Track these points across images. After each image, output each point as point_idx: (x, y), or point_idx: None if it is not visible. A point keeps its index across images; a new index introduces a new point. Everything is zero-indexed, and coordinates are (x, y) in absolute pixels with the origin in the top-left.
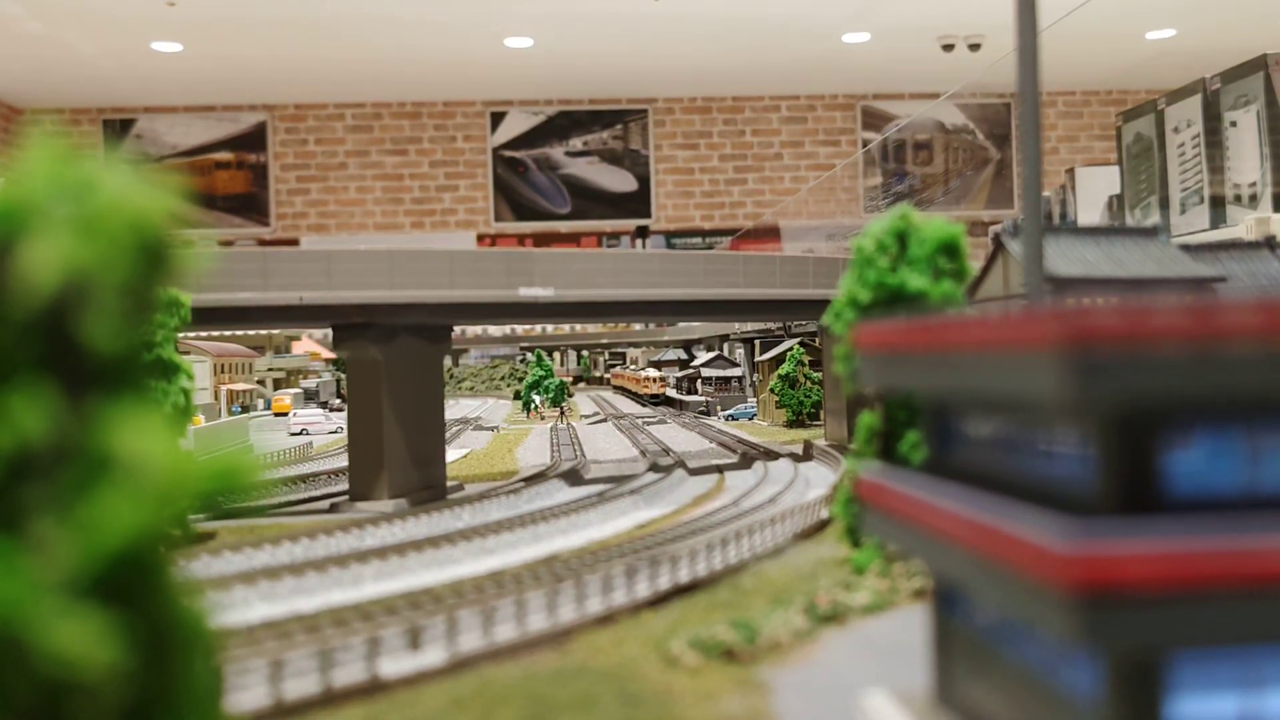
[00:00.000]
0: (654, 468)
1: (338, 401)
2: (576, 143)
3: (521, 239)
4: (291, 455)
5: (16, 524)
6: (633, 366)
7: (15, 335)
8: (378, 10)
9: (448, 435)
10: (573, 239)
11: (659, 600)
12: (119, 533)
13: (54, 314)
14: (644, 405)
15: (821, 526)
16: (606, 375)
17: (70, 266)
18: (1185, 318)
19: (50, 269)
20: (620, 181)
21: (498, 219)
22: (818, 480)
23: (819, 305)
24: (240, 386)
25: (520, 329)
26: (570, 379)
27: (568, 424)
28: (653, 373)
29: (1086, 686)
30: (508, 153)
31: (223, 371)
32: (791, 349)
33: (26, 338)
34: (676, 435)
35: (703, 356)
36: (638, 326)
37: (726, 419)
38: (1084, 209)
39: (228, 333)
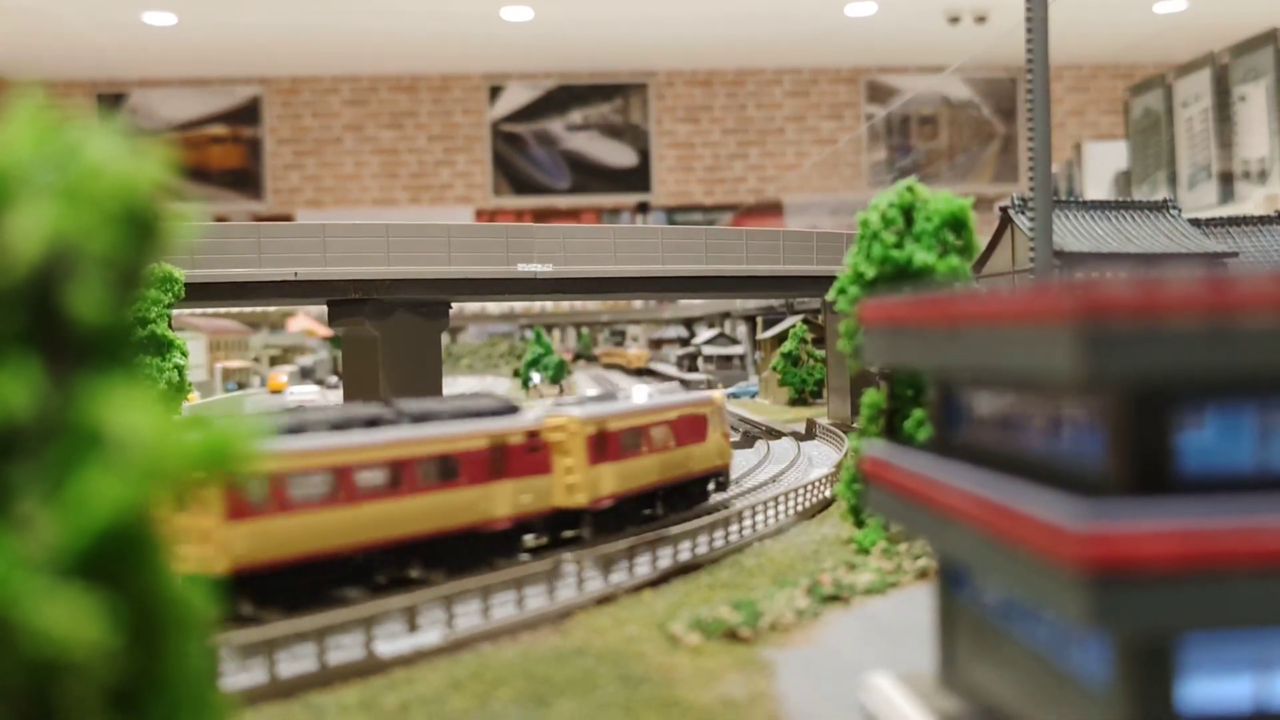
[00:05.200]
0: None
1: (334, 379)
2: (576, 117)
3: (520, 214)
4: None
5: (2, 501)
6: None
7: None
8: None
9: None
10: (572, 214)
11: (660, 580)
12: (106, 510)
13: (39, 285)
14: None
15: (825, 506)
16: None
17: (55, 235)
18: (1199, 292)
19: (34, 238)
20: (620, 156)
21: (496, 194)
22: (821, 459)
23: (823, 281)
24: (235, 364)
25: (519, 306)
26: (570, 357)
27: None
28: None
29: (1096, 668)
30: (506, 127)
31: (217, 349)
32: (794, 326)
33: (10, 309)
34: None
35: (704, 334)
36: (638, 304)
37: (728, 397)
38: (1092, 184)
39: (222, 310)
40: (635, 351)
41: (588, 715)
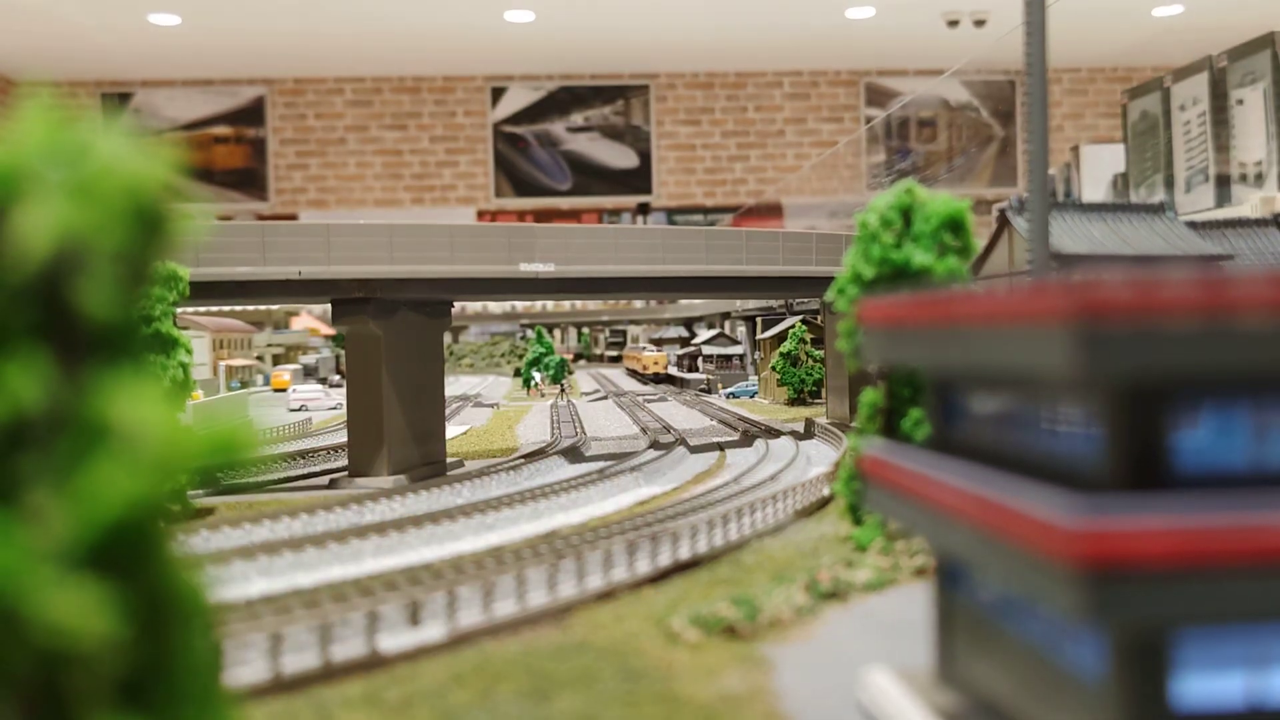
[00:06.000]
0: (655, 445)
1: (337, 378)
2: (578, 118)
3: (522, 215)
4: (290, 431)
5: (12, 493)
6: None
7: (10, 301)
8: None
9: (448, 411)
10: (574, 215)
11: (660, 577)
12: (115, 503)
13: (49, 280)
14: None
15: (823, 504)
16: (607, 353)
17: (65, 232)
18: (1195, 291)
19: (45, 234)
20: (622, 157)
21: (498, 195)
22: (819, 458)
23: (822, 282)
24: (239, 362)
25: (521, 306)
26: (571, 356)
27: (568, 401)
28: None
29: (1091, 664)
30: (508, 128)
31: (221, 347)
32: (793, 326)
33: (21, 304)
34: (677, 413)
35: (704, 334)
36: (639, 304)
37: (727, 397)
38: (1089, 187)
39: (226, 308)
40: (651, 354)
41: (588, 709)
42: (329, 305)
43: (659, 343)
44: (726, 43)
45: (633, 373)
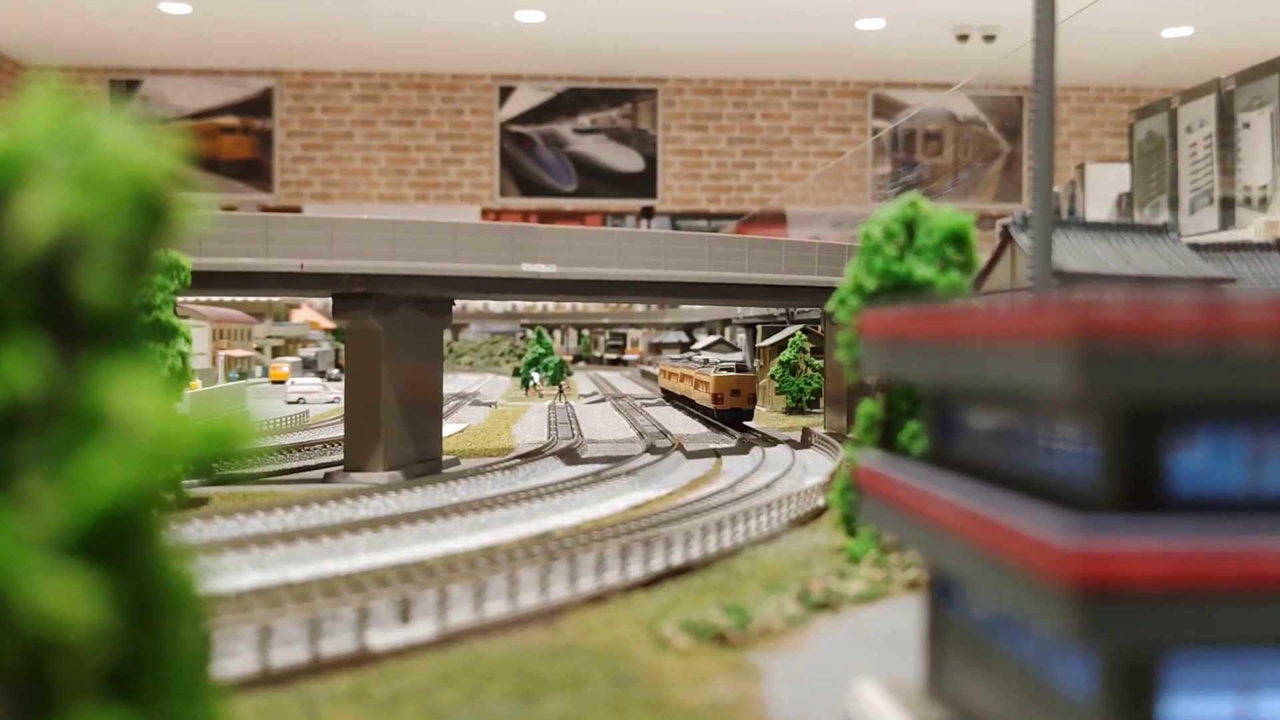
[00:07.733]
0: (651, 449)
1: (335, 371)
2: (585, 120)
3: (526, 215)
4: (287, 424)
5: (5, 479)
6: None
7: (9, 287)
8: None
9: (445, 409)
10: (578, 217)
11: (652, 581)
12: (108, 491)
13: (49, 266)
14: None
15: (818, 514)
16: (607, 355)
17: (67, 218)
18: (1196, 314)
19: (46, 220)
20: (627, 161)
21: (503, 194)
22: (815, 467)
23: (823, 292)
24: (238, 353)
25: (521, 306)
26: (570, 358)
27: (566, 403)
28: None
29: (1081, 684)
30: (515, 128)
31: (221, 337)
32: (794, 335)
33: (20, 289)
34: (674, 418)
35: (704, 340)
36: (639, 307)
37: None
38: (1093, 206)
39: (227, 298)
40: (724, 374)
41: (576, 713)
42: (330, 299)
43: (658, 348)
44: (735, 50)
45: (674, 397)
